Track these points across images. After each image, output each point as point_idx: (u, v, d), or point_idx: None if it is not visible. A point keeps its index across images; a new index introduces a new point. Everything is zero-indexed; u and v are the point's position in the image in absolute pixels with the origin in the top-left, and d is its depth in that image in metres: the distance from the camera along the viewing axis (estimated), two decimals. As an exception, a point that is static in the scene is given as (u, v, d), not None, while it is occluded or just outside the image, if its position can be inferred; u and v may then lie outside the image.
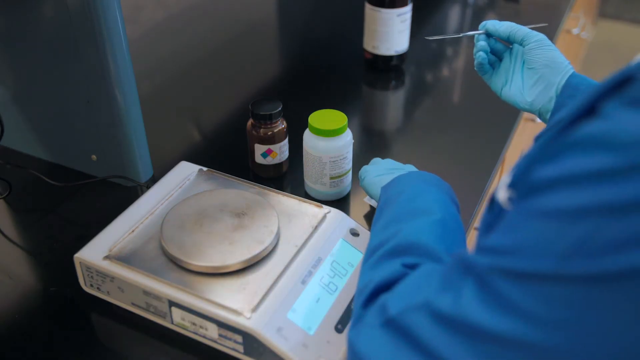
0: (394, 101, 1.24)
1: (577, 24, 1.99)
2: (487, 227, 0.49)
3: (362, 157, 1.02)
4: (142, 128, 0.93)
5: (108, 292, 0.75)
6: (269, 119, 0.91)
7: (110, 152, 0.94)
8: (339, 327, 0.69)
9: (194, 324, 0.70)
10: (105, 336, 0.75)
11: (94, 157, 0.96)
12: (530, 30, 0.81)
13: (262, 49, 1.41)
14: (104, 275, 0.73)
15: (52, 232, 0.89)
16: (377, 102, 1.25)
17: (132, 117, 0.90)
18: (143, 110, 0.93)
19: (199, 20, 1.48)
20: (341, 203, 0.93)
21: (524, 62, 0.82)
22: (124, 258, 0.73)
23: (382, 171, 0.84)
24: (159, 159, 0.99)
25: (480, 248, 0.46)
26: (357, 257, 0.76)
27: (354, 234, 0.78)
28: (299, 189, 0.95)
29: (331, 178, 0.90)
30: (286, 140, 0.96)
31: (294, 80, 1.29)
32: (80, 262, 0.75)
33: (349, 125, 0.90)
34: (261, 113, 0.91)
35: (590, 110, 0.41)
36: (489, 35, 0.85)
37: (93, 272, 0.74)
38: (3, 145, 1.04)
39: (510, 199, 0.45)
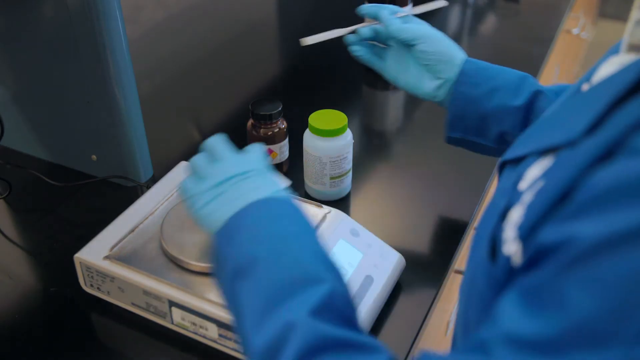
0: (394, 101, 1.24)
1: (577, 24, 1.99)
2: (497, 284, 0.41)
3: (362, 157, 1.02)
4: (142, 128, 0.93)
5: (108, 292, 0.75)
6: (269, 119, 0.91)
7: (110, 152, 0.94)
8: (339, 327, 0.69)
9: (194, 324, 0.70)
10: (105, 336, 0.75)
11: (94, 157, 0.96)
12: (417, 28, 0.78)
13: (262, 49, 1.41)
14: (104, 275, 0.73)
15: (52, 232, 0.89)
16: (377, 102, 1.25)
17: (132, 117, 0.90)
18: (143, 110, 0.93)
19: (199, 20, 1.48)
20: (341, 203, 0.93)
21: (415, 57, 0.79)
22: (124, 258, 0.73)
23: (210, 192, 0.58)
24: (159, 159, 0.99)
25: (510, 338, 0.35)
26: (357, 257, 0.75)
27: (354, 234, 0.78)
28: (299, 189, 0.95)
29: (331, 178, 0.90)
30: (286, 141, 0.96)
31: (294, 80, 1.29)
32: (80, 262, 0.75)
33: (349, 125, 0.90)
34: (261, 113, 0.91)
35: (611, 147, 0.36)
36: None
37: (93, 272, 0.74)
38: (3, 145, 1.04)
39: (523, 252, 0.39)
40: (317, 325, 0.44)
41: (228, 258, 0.52)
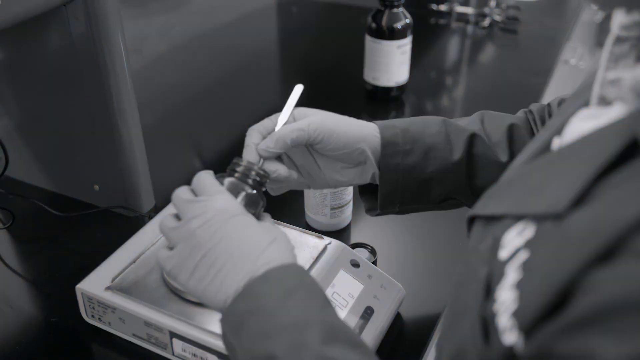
0: (394, 131, 1.25)
1: (575, 54, 2.01)
2: None
3: (362, 187, 1.02)
4: (144, 158, 0.94)
5: (109, 323, 0.75)
6: None
7: (112, 182, 0.95)
8: (340, 359, 0.69)
9: (195, 355, 0.70)
10: (105, 367, 0.75)
11: (96, 187, 0.97)
12: (309, 124, 0.68)
13: (264, 80, 1.43)
14: (105, 306, 0.74)
15: (54, 262, 0.90)
16: (378, 132, 1.26)
17: (134, 147, 0.91)
18: (145, 141, 0.94)
19: (201, 51, 1.50)
20: (341, 233, 0.93)
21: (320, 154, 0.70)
22: (126, 289, 0.73)
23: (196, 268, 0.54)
24: (161, 189, 1.00)
25: None
26: (358, 289, 0.76)
27: (354, 264, 0.78)
28: (299, 220, 0.95)
29: (332, 209, 0.90)
30: None
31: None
32: (81, 293, 0.75)
33: (350, 156, 0.90)
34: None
35: (609, 251, 0.33)
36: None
37: (94, 302, 0.74)
38: (6, 175, 1.05)
39: (525, 344, 0.36)
40: None
41: (238, 351, 0.50)
